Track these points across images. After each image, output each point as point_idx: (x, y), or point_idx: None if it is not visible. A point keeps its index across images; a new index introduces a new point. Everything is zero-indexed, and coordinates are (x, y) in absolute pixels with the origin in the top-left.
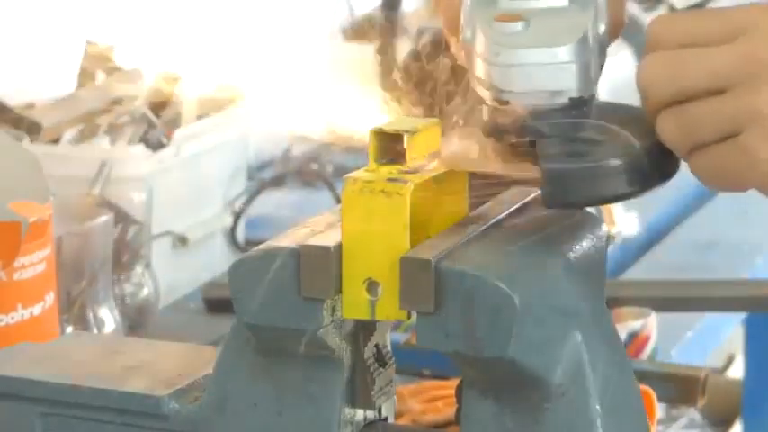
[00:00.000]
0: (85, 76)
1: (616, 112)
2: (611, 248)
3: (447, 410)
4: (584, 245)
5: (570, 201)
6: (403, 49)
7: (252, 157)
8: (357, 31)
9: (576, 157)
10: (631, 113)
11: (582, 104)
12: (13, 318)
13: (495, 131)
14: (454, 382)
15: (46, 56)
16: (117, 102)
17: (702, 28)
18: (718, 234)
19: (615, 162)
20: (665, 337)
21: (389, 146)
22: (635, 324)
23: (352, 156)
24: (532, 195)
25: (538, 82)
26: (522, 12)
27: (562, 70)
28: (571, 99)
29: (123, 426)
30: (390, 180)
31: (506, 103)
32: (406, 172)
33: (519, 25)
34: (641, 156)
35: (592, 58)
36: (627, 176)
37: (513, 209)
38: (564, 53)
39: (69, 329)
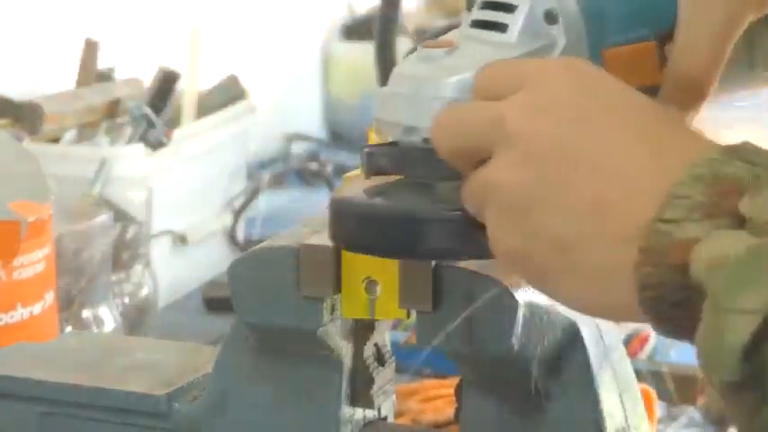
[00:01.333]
0: (85, 74)
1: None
2: None
3: (447, 410)
4: None
5: (347, 242)
6: (402, 48)
7: (252, 156)
8: (357, 31)
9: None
10: None
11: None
12: (12, 317)
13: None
14: (453, 382)
15: (47, 52)
16: (117, 101)
17: (493, 79)
18: None
19: (432, 217)
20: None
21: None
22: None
23: (352, 155)
24: None
25: (399, 113)
26: (455, 40)
27: (425, 106)
28: (424, 140)
29: (123, 425)
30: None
31: (379, 132)
32: None
33: (439, 52)
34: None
35: None
36: (441, 235)
37: None
38: (437, 88)
39: (69, 329)
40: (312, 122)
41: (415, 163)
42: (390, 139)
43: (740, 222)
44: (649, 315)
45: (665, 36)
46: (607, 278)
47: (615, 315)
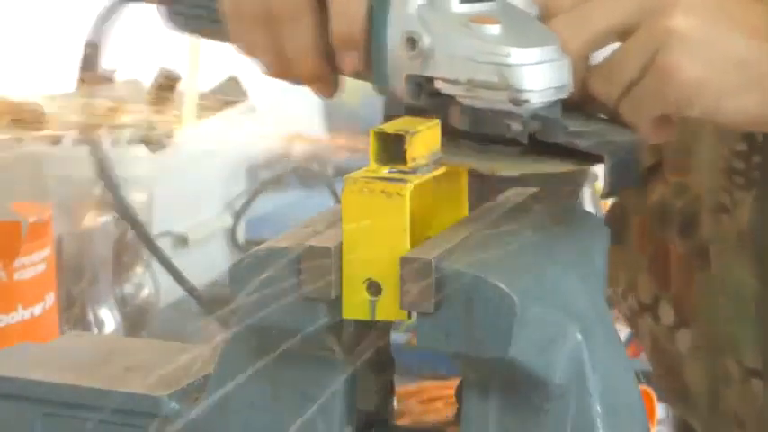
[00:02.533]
0: (86, 75)
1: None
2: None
3: (447, 410)
4: (585, 244)
5: (629, 184)
6: None
7: (252, 157)
8: None
9: (615, 145)
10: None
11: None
12: (13, 318)
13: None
14: (454, 383)
15: (48, 53)
16: (118, 102)
17: None
18: None
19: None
20: None
21: (390, 146)
22: None
23: (352, 156)
24: (532, 195)
25: (551, 78)
26: (484, 14)
27: (563, 66)
28: (570, 92)
29: (123, 426)
30: (390, 180)
31: (525, 102)
32: (407, 172)
33: (497, 28)
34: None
35: None
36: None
37: (513, 209)
38: (555, 51)
39: (69, 330)
40: (312, 123)
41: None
42: (544, 104)
43: None
44: None
45: None
46: None
47: None
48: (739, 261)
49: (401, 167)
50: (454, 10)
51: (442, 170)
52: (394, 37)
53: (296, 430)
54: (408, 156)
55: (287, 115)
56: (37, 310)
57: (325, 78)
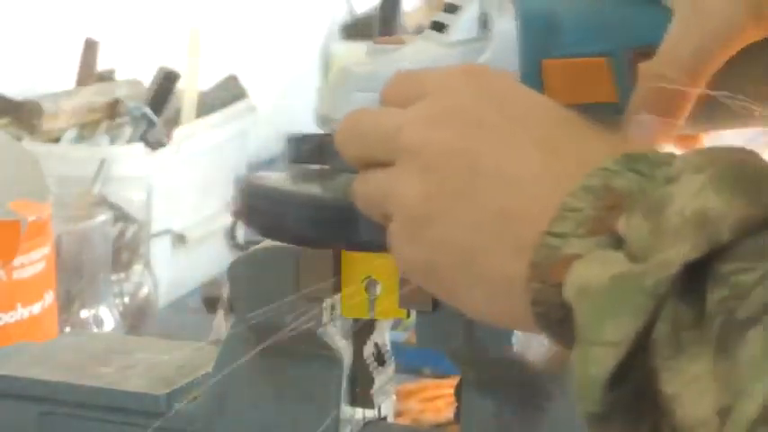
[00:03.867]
0: (85, 74)
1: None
2: None
3: (447, 410)
4: None
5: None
6: None
7: (252, 156)
8: (357, 31)
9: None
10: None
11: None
12: (12, 317)
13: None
14: (453, 382)
15: (47, 52)
16: (117, 100)
17: (398, 88)
18: None
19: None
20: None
21: None
22: None
23: None
24: None
25: (324, 104)
26: (407, 38)
27: (342, 98)
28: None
29: (123, 425)
30: None
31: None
32: None
33: (389, 48)
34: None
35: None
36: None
37: None
38: (355, 81)
39: (68, 329)
40: (312, 122)
41: (330, 153)
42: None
43: (621, 241)
44: (543, 331)
45: (641, 54)
46: (507, 291)
47: (520, 328)
48: None
49: None
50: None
51: None
52: None
53: (295, 429)
54: None
55: (287, 115)
56: (36, 308)
57: None
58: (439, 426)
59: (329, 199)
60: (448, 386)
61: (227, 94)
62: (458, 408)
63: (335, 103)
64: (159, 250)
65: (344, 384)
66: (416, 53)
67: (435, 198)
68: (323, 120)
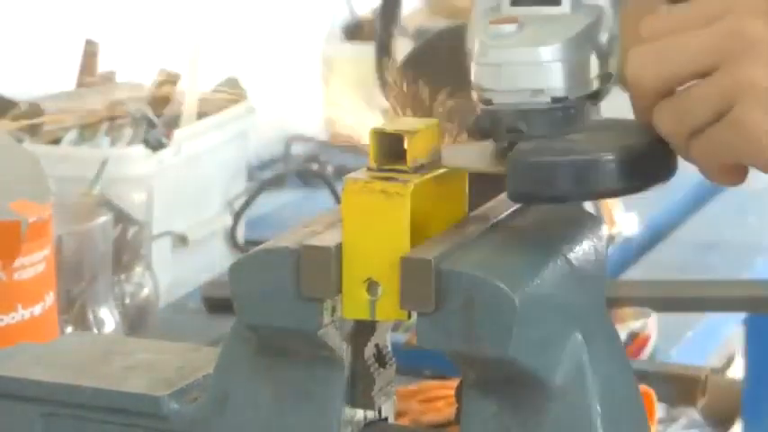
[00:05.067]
0: (86, 75)
1: (611, 123)
2: (611, 248)
3: (447, 410)
4: (584, 245)
5: (533, 195)
6: (402, 48)
7: (252, 157)
8: (357, 31)
9: (548, 152)
10: (625, 123)
11: (569, 107)
12: (13, 318)
13: (478, 132)
14: (454, 382)
15: (48, 53)
16: (117, 102)
17: (681, 16)
18: (718, 234)
19: (596, 156)
20: (665, 338)
21: (390, 146)
22: (635, 324)
23: (352, 156)
24: None
25: (520, 80)
26: (518, 16)
27: (544, 69)
28: (553, 99)
29: (123, 426)
30: (390, 180)
31: (490, 102)
32: (407, 172)
33: (511, 27)
34: (628, 152)
35: (584, 62)
36: (609, 171)
37: (513, 209)
38: (547, 52)
39: (69, 329)
40: (312, 123)
41: (541, 122)
42: (511, 104)
43: None
44: None
45: None
46: None
47: None
48: None
49: (401, 167)
50: (503, 11)
51: (442, 170)
52: None
53: (295, 431)
54: (408, 156)
55: (287, 115)
56: (37, 309)
57: None
58: (439, 426)
59: (636, 145)
60: (448, 387)
61: (228, 95)
62: (458, 408)
63: (540, 74)
64: (160, 251)
65: (345, 385)
66: (548, 26)
67: None
68: (517, 93)
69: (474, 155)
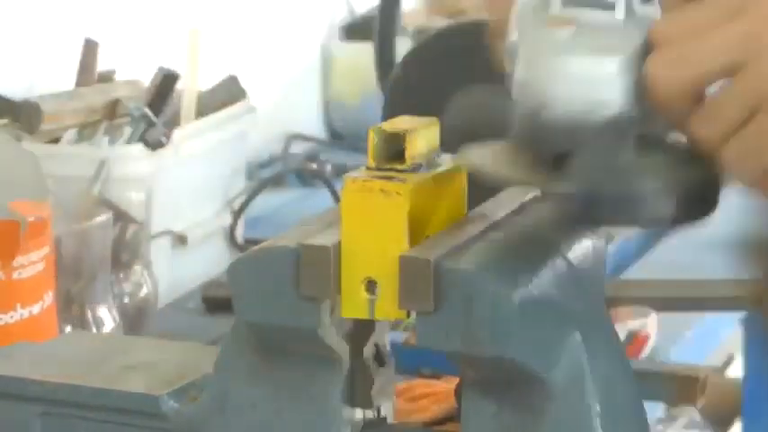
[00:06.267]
0: (85, 74)
1: (657, 141)
2: (611, 248)
3: (433, 408)
4: (584, 245)
5: (599, 221)
6: (402, 48)
7: (252, 156)
8: (357, 31)
9: (608, 177)
10: (673, 145)
11: (625, 125)
12: (12, 317)
13: (525, 140)
14: (445, 381)
15: (47, 52)
16: (116, 101)
17: (697, 15)
18: (718, 234)
19: (650, 186)
20: (665, 337)
21: (389, 145)
22: (635, 324)
23: (351, 155)
24: (532, 195)
25: (578, 92)
26: (573, 19)
27: (606, 82)
28: (613, 115)
29: (122, 425)
30: (389, 179)
31: (540, 111)
32: (406, 171)
33: (569, 32)
34: (679, 184)
35: (641, 76)
36: (661, 203)
37: (513, 209)
38: (610, 65)
39: (68, 329)
40: (312, 122)
41: (594, 138)
42: (569, 118)
43: None
44: None
45: None
46: None
47: None
48: None
49: (400, 166)
50: (552, 12)
51: (441, 170)
52: None
53: (295, 430)
54: (407, 155)
55: (287, 115)
56: (36, 309)
57: None
58: (427, 425)
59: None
60: (435, 385)
61: (227, 94)
62: (458, 408)
63: (546, 83)
64: (159, 250)
65: (344, 385)
66: (612, 33)
67: None
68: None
69: (503, 160)
